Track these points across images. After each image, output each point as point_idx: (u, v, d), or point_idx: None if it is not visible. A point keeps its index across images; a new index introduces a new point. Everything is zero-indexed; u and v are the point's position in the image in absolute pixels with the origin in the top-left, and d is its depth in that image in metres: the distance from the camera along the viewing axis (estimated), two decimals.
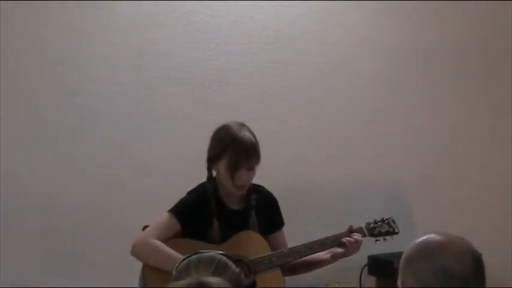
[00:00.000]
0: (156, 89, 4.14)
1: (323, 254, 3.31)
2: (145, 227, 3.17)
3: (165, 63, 4.15)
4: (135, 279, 3.17)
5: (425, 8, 4.62)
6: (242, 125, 3.15)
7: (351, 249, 3.25)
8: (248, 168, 3.11)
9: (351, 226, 3.31)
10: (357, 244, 3.27)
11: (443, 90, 4.76)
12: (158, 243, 3.06)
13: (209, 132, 3.20)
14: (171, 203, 3.20)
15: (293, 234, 3.33)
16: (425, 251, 1.89)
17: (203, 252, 1.95)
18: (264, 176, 3.21)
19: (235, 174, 3.09)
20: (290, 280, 3.40)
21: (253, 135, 3.14)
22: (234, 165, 3.07)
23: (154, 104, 4.14)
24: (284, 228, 3.36)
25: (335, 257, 3.29)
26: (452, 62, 4.73)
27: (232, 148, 3.07)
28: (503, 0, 4.75)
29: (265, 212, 3.27)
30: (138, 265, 3.14)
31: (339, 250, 3.27)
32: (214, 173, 3.20)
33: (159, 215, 3.17)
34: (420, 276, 1.85)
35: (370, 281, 4.43)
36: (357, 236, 3.28)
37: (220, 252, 1.97)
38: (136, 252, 3.10)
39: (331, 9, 4.45)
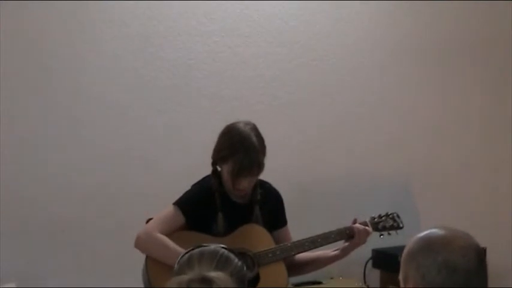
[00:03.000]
0: (160, 81, 4.13)
1: (331, 251, 3.30)
2: (149, 220, 3.16)
3: (169, 56, 4.15)
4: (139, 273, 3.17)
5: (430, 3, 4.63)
6: (252, 129, 3.11)
7: (360, 238, 3.23)
8: (250, 177, 3.10)
9: (355, 219, 3.30)
10: (366, 233, 3.25)
11: (453, 84, 4.75)
12: (162, 236, 3.05)
13: (215, 125, 3.18)
14: (176, 197, 3.19)
15: (298, 230, 3.32)
16: (428, 245, 1.87)
17: (205, 246, 1.94)
18: (269, 171, 3.19)
19: (236, 180, 3.09)
20: None
21: (261, 141, 3.10)
22: (236, 173, 3.06)
23: (158, 97, 4.13)
24: (289, 225, 3.34)
25: (344, 251, 3.27)
26: (462, 55, 4.72)
27: (238, 157, 3.03)
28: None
29: (270, 209, 3.26)
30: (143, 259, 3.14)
31: (346, 244, 3.26)
32: (219, 168, 3.19)
33: (164, 208, 3.17)
34: (423, 271, 1.84)
35: (375, 274, 4.43)
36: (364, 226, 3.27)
37: (223, 246, 1.96)
38: (139, 244, 3.09)
39: (338, 2, 4.45)
